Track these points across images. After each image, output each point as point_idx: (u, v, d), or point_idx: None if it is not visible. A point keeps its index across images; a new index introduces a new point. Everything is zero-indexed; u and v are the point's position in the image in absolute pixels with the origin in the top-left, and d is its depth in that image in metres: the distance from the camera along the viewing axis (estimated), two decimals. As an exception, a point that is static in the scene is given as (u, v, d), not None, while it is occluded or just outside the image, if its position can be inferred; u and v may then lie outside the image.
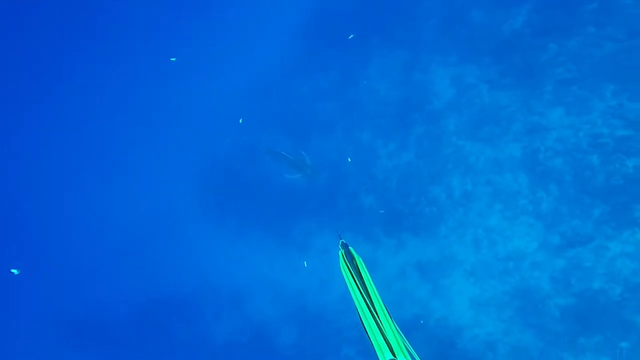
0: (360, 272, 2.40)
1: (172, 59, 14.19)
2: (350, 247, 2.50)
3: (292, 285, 10.92)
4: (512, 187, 9.28)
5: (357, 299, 2.28)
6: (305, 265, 10.77)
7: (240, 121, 12.42)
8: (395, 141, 10.75)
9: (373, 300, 2.25)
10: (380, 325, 2.13)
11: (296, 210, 11.23)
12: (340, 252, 2.49)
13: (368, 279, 2.38)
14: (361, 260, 2.46)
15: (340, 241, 2.54)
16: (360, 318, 2.25)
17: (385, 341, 2.06)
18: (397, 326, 2.16)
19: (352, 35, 11.99)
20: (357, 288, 2.30)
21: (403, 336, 2.13)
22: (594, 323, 8.12)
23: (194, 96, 14.90)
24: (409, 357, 2.03)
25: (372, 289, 2.33)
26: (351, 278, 2.34)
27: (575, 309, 8.34)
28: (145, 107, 15.12)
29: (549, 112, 9.38)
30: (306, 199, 11.11)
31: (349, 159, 10.80)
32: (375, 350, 2.11)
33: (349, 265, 2.39)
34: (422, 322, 9.15)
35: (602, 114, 8.87)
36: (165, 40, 15.60)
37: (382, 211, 10.14)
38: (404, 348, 2.06)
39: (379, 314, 2.18)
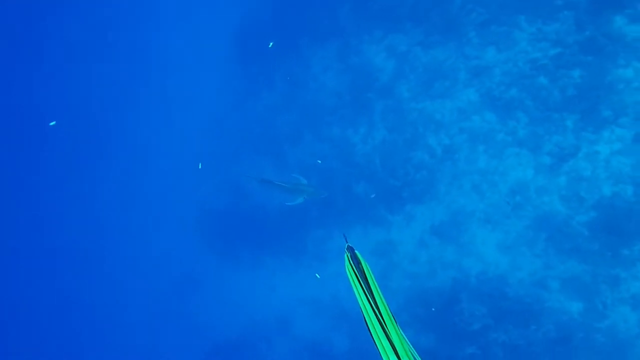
0: (366, 276, 2.41)
1: (51, 124, 14.12)
2: (356, 251, 2.54)
3: (323, 294, 11.40)
4: (484, 126, 9.83)
5: (363, 302, 2.31)
6: (318, 277, 11.27)
7: (200, 166, 12.62)
8: (363, 124, 11.23)
9: (379, 304, 2.27)
10: (386, 329, 2.16)
11: (301, 223, 11.63)
12: (346, 256, 2.52)
13: (374, 282, 2.38)
14: (367, 264, 2.48)
15: (347, 245, 2.59)
16: (366, 321, 2.25)
17: (391, 345, 2.11)
18: (402, 331, 2.21)
19: (271, 44, 12.29)
20: (362, 292, 2.32)
21: (408, 342, 2.19)
22: (627, 230, 8.32)
23: (155, 151, 14.95)
24: None
25: (378, 292, 2.34)
26: (357, 282, 2.36)
27: (600, 221, 8.59)
28: (115, 175, 15.12)
29: (483, 54, 9.97)
30: (306, 210, 11.52)
31: (319, 161, 11.14)
32: (380, 354, 2.13)
33: (355, 268, 2.43)
34: (433, 309, 9.57)
35: (529, 42, 9.51)
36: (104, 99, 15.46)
37: (373, 195, 10.63)
38: (409, 352, 2.12)
39: (384, 317, 2.21)
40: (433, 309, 9.60)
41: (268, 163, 12.25)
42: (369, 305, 2.27)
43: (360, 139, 11.29)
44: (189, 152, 13.88)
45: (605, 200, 8.65)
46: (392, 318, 2.24)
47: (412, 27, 10.94)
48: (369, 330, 2.24)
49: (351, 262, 2.46)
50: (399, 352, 2.09)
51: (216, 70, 13.84)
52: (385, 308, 2.26)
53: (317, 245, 11.55)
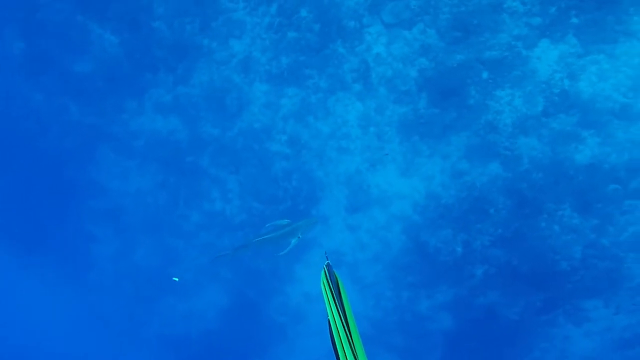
0: (339, 291, 2.46)
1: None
2: (333, 269, 2.60)
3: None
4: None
5: (332, 315, 2.36)
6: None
7: (176, 279, 11.37)
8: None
9: (348, 319, 2.32)
10: (352, 343, 2.20)
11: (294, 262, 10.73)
12: (323, 271, 2.58)
13: (346, 299, 2.44)
14: (342, 282, 2.53)
15: (326, 262, 2.63)
16: (332, 332, 2.30)
17: (354, 357, 2.15)
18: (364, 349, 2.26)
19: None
20: (334, 305, 2.37)
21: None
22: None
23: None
24: None
25: (349, 308, 2.40)
26: (330, 295, 2.42)
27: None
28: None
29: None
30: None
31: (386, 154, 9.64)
32: None
33: (330, 283, 2.49)
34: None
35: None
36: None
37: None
38: None
39: (352, 332, 2.26)
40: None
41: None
42: (339, 320, 2.30)
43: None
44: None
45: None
46: (358, 334, 2.28)
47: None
48: (333, 341, 2.26)
49: (327, 277, 2.52)
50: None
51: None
52: (353, 323, 2.31)
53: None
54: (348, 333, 2.23)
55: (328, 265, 2.60)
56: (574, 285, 8.22)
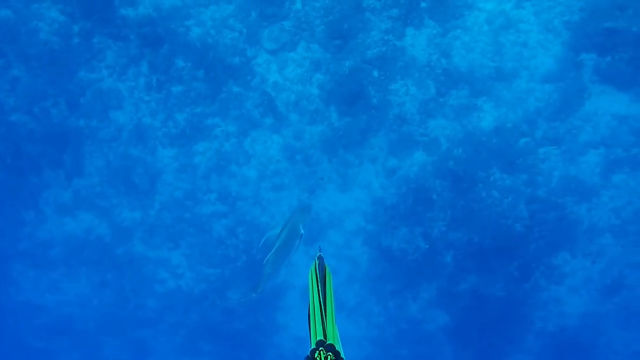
0: (325, 280, 2.54)
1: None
2: (324, 261, 2.67)
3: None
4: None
5: (312, 299, 2.43)
6: None
7: None
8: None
9: (327, 302, 2.39)
10: (325, 326, 2.27)
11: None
12: (314, 262, 2.65)
13: (330, 287, 2.51)
14: (330, 273, 2.59)
15: (319, 254, 2.71)
16: (309, 315, 2.37)
17: (324, 335, 2.24)
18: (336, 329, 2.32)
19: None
20: (317, 291, 2.44)
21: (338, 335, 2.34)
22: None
23: None
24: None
25: (330, 295, 2.46)
26: (315, 282, 2.49)
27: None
28: None
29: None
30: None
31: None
32: (310, 339, 2.25)
33: (318, 271, 2.56)
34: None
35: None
36: None
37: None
38: (338, 340, 2.25)
39: (327, 313, 2.33)
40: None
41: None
42: (317, 302, 2.37)
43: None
44: None
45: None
46: (334, 320, 2.35)
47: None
48: (309, 322, 2.33)
49: (316, 266, 2.58)
50: (328, 337, 2.19)
51: None
52: (331, 308, 2.37)
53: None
54: (323, 313, 2.30)
55: (320, 257, 2.65)
56: (537, 244, 8.37)
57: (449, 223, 8.53)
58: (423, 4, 8.12)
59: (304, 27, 8.26)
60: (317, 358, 2.03)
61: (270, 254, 6.63)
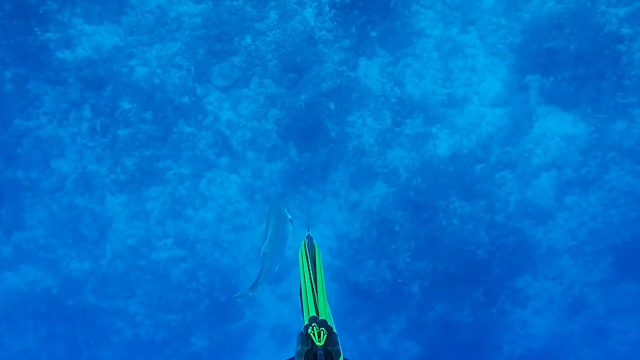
0: (315, 259, 2.65)
1: None
2: (314, 240, 2.78)
3: None
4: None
5: (303, 276, 2.52)
6: None
7: None
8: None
9: (317, 278, 2.50)
10: (317, 303, 2.36)
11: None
12: (304, 241, 2.75)
13: (320, 265, 2.62)
14: (319, 251, 2.72)
15: (307, 233, 2.81)
16: (300, 294, 2.46)
17: (316, 311, 2.32)
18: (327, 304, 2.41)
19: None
20: (307, 269, 2.54)
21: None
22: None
23: None
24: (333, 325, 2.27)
25: (320, 272, 2.57)
26: (305, 260, 2.60)
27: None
28: None
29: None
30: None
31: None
32: (303, 315, 2.32)
33: (307, 250, 2.67)
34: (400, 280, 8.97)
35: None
36: None
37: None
38: (330, 316, 2.32)
39: (318, 289, 2.43)
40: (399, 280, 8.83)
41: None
42: (308, 279, 2.46)
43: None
44: None
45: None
46: (325, 297, 2.44)
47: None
48: (300, 300, 2.41)
49: (306, 246, 2.68)
50: (320, 313, 2.27)
51: None
52: (322, 287, 2.46)
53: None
54: (315, 289, 2.39)
55: (309, 237, 2.75)
56: (500, 269, 8.49)
57: (414, 253, 8.50)
58: (373, 33, 8.13)
59: (255, 62, 8.04)
60: (311, 333, 2.08)
61: (264, 245, 6.24)
